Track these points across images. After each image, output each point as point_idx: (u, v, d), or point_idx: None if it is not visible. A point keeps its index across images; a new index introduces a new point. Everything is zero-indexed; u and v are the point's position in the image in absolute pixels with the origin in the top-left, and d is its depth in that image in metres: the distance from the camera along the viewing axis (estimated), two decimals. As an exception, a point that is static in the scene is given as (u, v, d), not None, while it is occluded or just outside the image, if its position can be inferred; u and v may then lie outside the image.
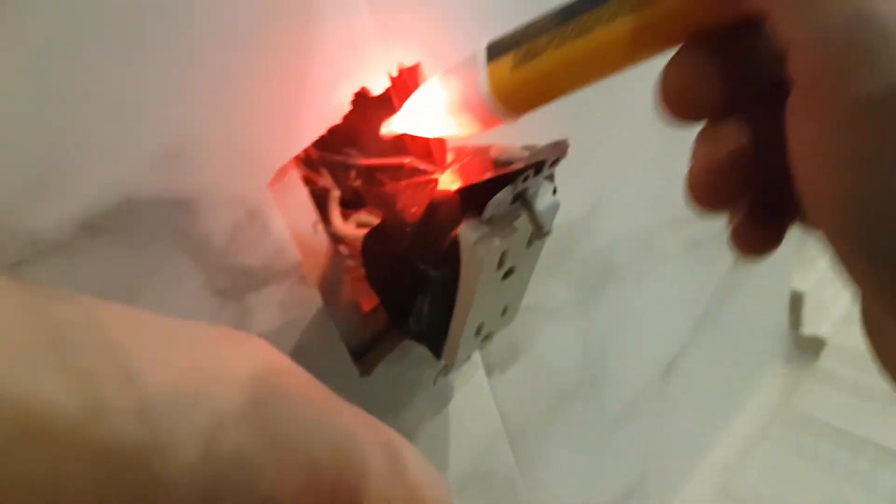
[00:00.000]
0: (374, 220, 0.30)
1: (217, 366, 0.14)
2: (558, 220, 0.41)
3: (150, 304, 0.23)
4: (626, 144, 0.46)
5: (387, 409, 0.33)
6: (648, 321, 0.57)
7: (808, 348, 0.89)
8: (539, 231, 0.24)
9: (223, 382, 0.13)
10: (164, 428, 0.12)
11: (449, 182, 0.25)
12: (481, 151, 0.26)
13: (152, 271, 0.22)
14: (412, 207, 0.26)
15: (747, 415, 0.85)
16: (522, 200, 0.25)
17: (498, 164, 0.25)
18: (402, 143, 0.31)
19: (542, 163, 0.24)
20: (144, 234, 0.22)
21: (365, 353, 0.32)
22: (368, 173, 0.30)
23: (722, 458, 0.83)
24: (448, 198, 0.25)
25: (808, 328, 0.88)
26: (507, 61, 0.19)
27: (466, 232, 0.24)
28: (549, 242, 0.41)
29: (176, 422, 0.12)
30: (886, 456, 0.77)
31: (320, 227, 0.29)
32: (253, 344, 0.15)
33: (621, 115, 0.44)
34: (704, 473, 0.80)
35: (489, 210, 0.23)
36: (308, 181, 0.30)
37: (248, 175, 0.24)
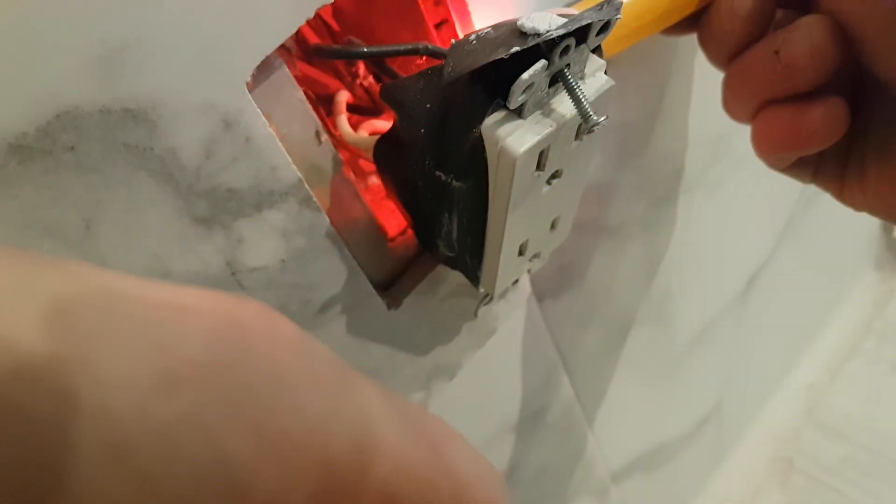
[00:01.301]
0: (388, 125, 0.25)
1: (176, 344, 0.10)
2: (616, 117, 0.35)
3: (110, 237, 0.19)
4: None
5: (422, 345, 0.29)
6: (724, 234, 0.50)
7: (904, 253, 0.80)
8: (587, 120, 0.19)
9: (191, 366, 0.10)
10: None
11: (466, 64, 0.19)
12: (504, 24, 0.20)
13: (111, 199, 0.18)
14: (426, 103, 0.21)
15: (836, 329, 0.78)
16: (564, 80, 0.19)
17: (527, 34, 0.19)
18: (418, 26, 0.26)
19: (587, 28, 0.19)
20: (93, 153, 0.18)
21: (392, 284, 0.28)
22: (379, 67, 0.25)
23: (808, 377, 0.77)
24: (466, 84, 0.20)
25: (904, 232, 0.79)
26: None
27: (490, 127, 0.19)
28: (606, 144, 0.36)
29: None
30: None
31: (325, 137, 0.24)
32: (236, 310, 0.11)
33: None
34: (788, 395, 0.74)
35: (516, 95, 0.18)
36: (306, 82, 0.25)
37: (216, 74, 0.19)
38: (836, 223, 0.68)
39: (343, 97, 0.26)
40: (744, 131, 0.46)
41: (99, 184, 0.18)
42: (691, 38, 0.29)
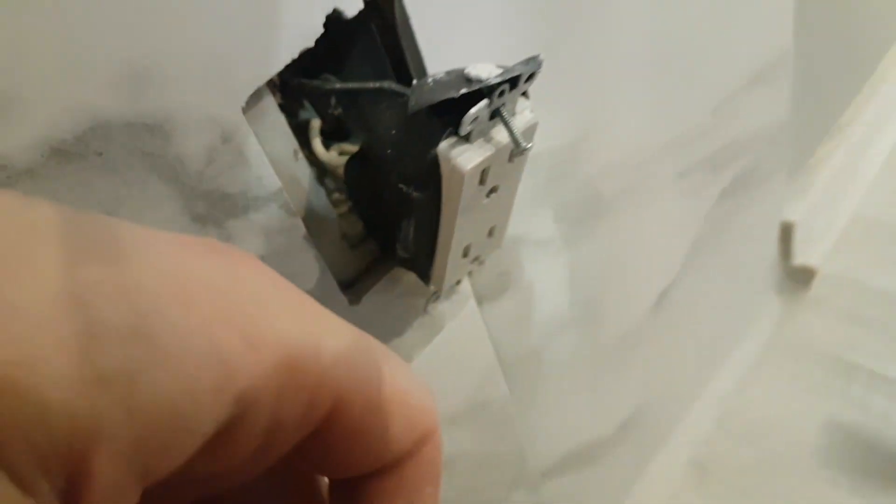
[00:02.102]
0: (356, 148, 0.30)
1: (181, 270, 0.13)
2: (545, 147, 0.41)
3: (128, 231, 0.23)
4: (614, 72, 0.45)
5: (378, 339, 0.34)
6: (640, 252, 0.57)
7: (800, 278, 0.89)
8: (518, 146, 0.24)
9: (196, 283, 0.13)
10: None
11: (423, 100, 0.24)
12: (455, 71, 0.25)
13: (128, 196, 0.22)
14: (392, 129, 0.26)
15: (743, 345, 0.86)
16: (500, 116, 0.24)
17: (472, 80, 0.24)
18: (381, 68, 0.31)
19: (517, 78, 0.24)
20: (117, 158, 0.22)
21: (354, 283, 0.32)
22: (349, 99, 0.29)
23: (719, 388, 0.84)
24: (425, 115, 0.25)
25: (799, 258, 0.89)
26: None
27: (445, 148, 0.24)
28: (537, 171, 0.41)
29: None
30: (879, 381, 0.78)
31: (301, 155, 0.28)
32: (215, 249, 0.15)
33: (607, 40, 0.43)
34: (703, 404, 0.82)
35: (465, 125, 0.23)
36: (287, 110, 0.29)
37: (220, 97, 0.23)
38: (739, 249, 0.77)
39: (316, 124, 0.30)
40: (657, 160, 0.53)
41: (120, 183, 0.22)
42: (619, 73, 0.34)
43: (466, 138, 0.24)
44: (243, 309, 0.13)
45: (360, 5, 0.27)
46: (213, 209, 0.24)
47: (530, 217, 0.43)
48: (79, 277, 0.11)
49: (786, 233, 0.85)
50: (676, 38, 0.49)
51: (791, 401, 0.84)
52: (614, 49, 0.44)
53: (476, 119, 0.23)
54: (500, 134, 0.25)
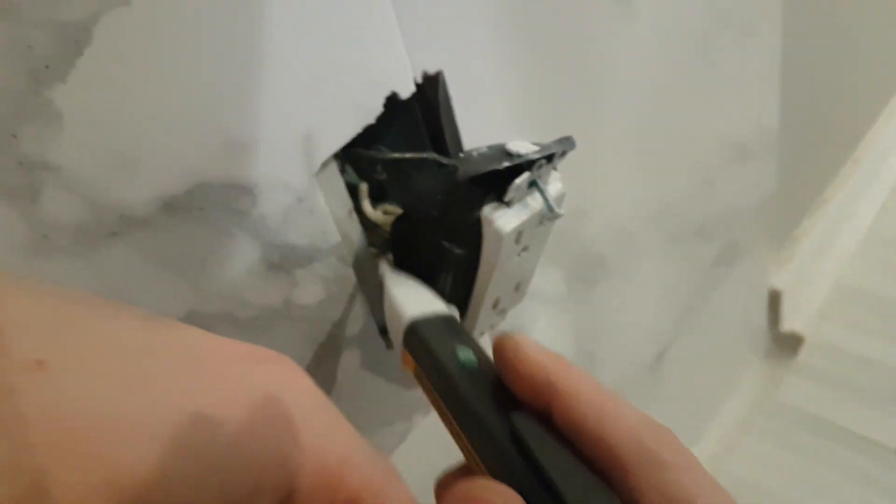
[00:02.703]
0: (398, 209, 0.34)
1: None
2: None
3: (215, 274, 0.26)
4: (613, 145, 0.50)
5: (408, 382, 0.37)
6: (634, 313, 0.61)
7: (787, 344, 0.93)
8: (551, 213, 0.28)
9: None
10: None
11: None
12: (495, 146, 0.30)
13: (219, 246, 0.26)
14: (438, 194, 0.30)
15: (731, 407, 0.89)
16: (537, 186, 0.28)
17: (512, 154, 0.29)
18: (419, 139, 0.35)
19: (553, 154, 0.28)
20: (213, 213, 0.26)
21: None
22: (395, 166, 0.34)
23: (708, 449, 0.87)
24: (469, 183, 0.29)
25: (787, 325, 0.93)
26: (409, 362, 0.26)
27: (488, 211, 0.28)
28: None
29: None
30: (864, 443, 0.81)
31: (354, 214, 0.32)
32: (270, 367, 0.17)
33: (603, 118, 0.48)
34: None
35: (510, 193, 0.27)
36: (341, 173, 0.33)
37: (299, 165, 0.28)
38: (728, 316, 0.81)
39: (364, 188, 0.34)
40: (653, 226, 0.57)
41: (214, 235, 0.26)
42: (616, 146, 0.39)
43: (507, 203, 0.28)
44: (294, 419, 0.16)
45: (412, 88, 0.32)
46: (285, 260, 0.28)
47: (540, 276, 0.47)
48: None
49: (773, 300, 0.89)
50: (669, 113, 0.54)
51: (778, 463, 0.86)
52: (612, 125, 0.49)
53: (518, 188, 0.27)
54: (534, 201, 0.29)
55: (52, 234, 0.22)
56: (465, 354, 0.24)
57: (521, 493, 0.17)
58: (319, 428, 0.17)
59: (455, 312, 0.29)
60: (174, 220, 0.25)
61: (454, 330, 0.27)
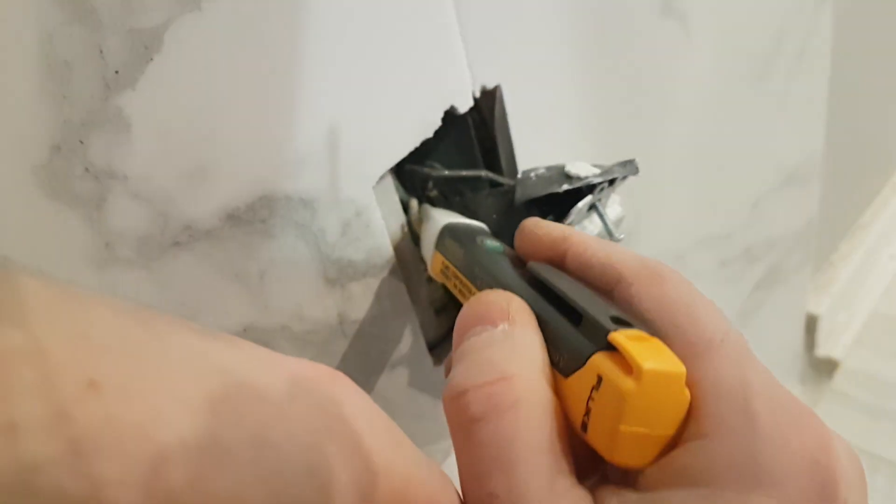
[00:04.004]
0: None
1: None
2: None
3: (273, 286, 0.26)
4: (664, 168, 0.49)
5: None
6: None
7: (823, 369, 0.91)
8: (612, 237, 0.28)
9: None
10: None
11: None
12: (554, 167, 0.29)
13: (280, 259, 0.26)
14: (493, 213, 0.30)
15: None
16: (597, 209, 0.28)
17: (572, 177, 0.28)
18: (471, 156, 0.35)
19: (615, 179, 0.28)
20: (275, 226, 0.25)
21: (438, 345, 0.35)
22: (448, 183, 0.33)
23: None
24: (525, 204, 0.28)
25: (823, 350, 0.91)
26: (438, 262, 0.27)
27: (550, 234, 0.27)
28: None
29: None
30: (899, 474, 0.79)
31: (406, 229, 0.32)
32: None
33: (659, 142, 0.47)
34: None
35: (572, 216, 0.26)
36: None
37: (358, 179, 0.27)
38: (766, 339, 0.79)
39: (415, 203, 0.34)
40: (701, 251, 0.56)
41: (275, 247, 0.25)
42: (669, 171, 0.38)
43: (568, 225, 0.28)
44: (362, 438, 0.16)
45: (470, 103, 0.32)
46: (341, 274, 0.28)
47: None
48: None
49: (810, 325, 0.87)
50: (722, 135, 0.53)
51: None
52: (667, 146, 0.48)
53: (579, 211, 0.27)
54: (592, 224, 0.28)
55: (114, 242, 0.22)
56: (492, 242, 0.26)
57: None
58: (385, 445, 0.16)
59: (486, 229, 0.29)
60: (236, 232, 0.24)
61: (484, 232, 0.28)
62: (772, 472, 0.15)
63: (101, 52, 0.20)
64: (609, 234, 0.28)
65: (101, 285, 0.22)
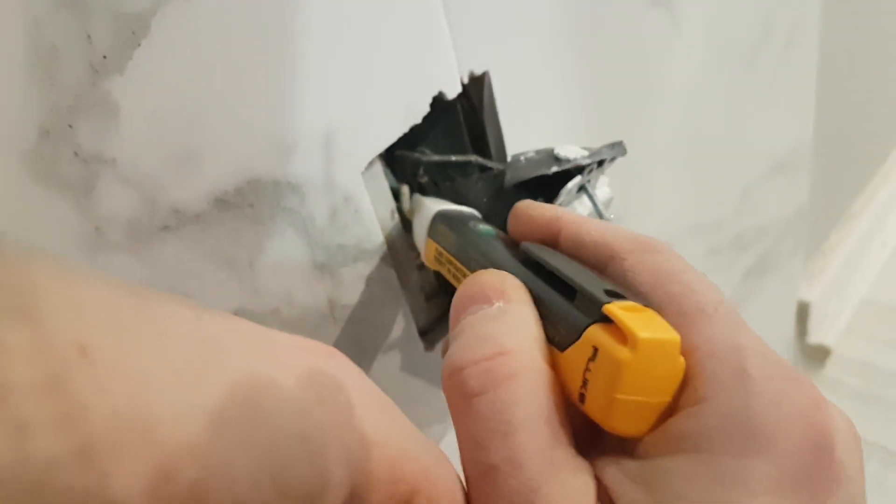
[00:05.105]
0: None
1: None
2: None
3: (263, 271, 0.26)
4: (654, 155, 0.50)
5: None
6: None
7: (815, 357, 0.92)
8: (601, 217, 0.28)
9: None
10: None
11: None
12: (543, 150, 0.29)
13: (269, 244, 0.26)
14: (483, 198, 0.30)
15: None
16: (586, 191, 0.28)
17: (561, 160, 0.28)
18: (459, 142, 0.35)
19: (604, 160, 0.28)
20: (264, 211, 0.25)
21: (429, 331, 0.35)
22: (438, 169, 0.33)
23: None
24: (515, 187, 0.28)
25: (814, 337, 0.91)
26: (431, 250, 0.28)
27: (538, 216, 0.27)
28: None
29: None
30: (893, 459, 0.80)
31: (396, 215, 0.32)
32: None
33: (647, 129, 0.48)
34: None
35: (561, 197, 0.27)
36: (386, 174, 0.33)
37: (347, 164, 0.27)
38: (757, 328, 0.79)
39: (406, 189, 0.34)
40: (691, 238, 0.57)
41: (264, 232, 0.26)
42: (657, 158, 0.38)
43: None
44: (356, 411, 0.16)
45: (458, 89, 0.32)
46: (330, 259, 0.28)
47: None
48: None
49: (802, 312, 0.88)
50: (712, 123, 0.53)
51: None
52: (657, 133, 0.48)
53: (569, 192, 0.27)
54: (582, 206, 0.29)
55: (104, 226, 0.22)
56: (484, 227, 0.26)
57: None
58: (379, 419, 0.17)
59: (478, 215, 0.29)
60: (225, 216, 0.24)
61: (476, 218, 0.28)
62: (767, 433, 0.15)
63: (89, 36, 0.20)
64: (599, 214, 0.28)
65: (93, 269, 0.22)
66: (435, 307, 0.36)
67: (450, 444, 0.18)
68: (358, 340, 0.31)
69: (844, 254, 0.94)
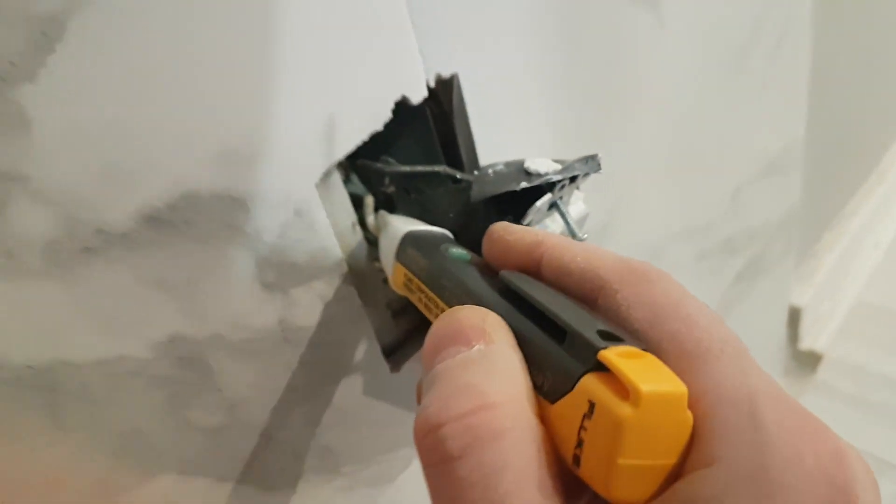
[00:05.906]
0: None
1: None
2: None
3: (204, 293, 0.24)
4: (639, 159, 0.47)
5: (413, 404, 0.34)
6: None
7: (806, 362, 0.90)
8: (574, 236, 0.26)
9: None
10: None
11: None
12: (514, 163, 0.27)
13: (209, 263, 0.24)
14: (450, 212, 0.28)
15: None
16: (557, 208, 0.26)
17: (531, 174, 0.26)
18: (431, 150, 0.33)
19: (576, 176, 0.26)
20: (204, 228, 0.23)
21: (395, 351, 0.33)
22: (404, 180, 0.31)
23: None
24: (483, 202, 0.26)
25: (806, 342, 0.90)
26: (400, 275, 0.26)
27: (505, 233, 0.25)
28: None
29: None
30: (884, 466, 0.78)
31: (357, 228, 0.30)
32: None
33: (634, 131, 0.46)
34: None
35: (530, 216, 0.25)
36: (345, 183, 0.31)
37: (298, 175, 0.25)
38: (748, 332, 0.78)
39: (370, 200, 0.32)
40: (679, 243, 0.55)
41: (203, 251, 0.23)
42: (644, 163, 0.36)
43: (527, 226, 0.26)
44: None
45: (424, 94, 0.30)
46: (281, 278, 0.26)
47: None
48: None
49: (793, 317, 0.86)
50: (700, 125, 0.51)
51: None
52: (642, 137, 0.46)
53: (538, 210, 0.25)
54: (554, 222, 0.26)
55: (17, 250, 0.20)
56: (457, 250, 0.24)
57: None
58: None
59: (450, 236, 0.27)
60: (157, 235, 0.22)
61: (448, 240, 0.26)
62: (786, 497, 0.14)
63: (-5, 40, 0.18)
64: (572, 233, 0.26)
65: (7, 299, 0.20)
66: (402, 324, 0.34)
67: (418, 471, 0.16)
68: (317, 364, 0.29)
69: (836, 256, 0.93)
